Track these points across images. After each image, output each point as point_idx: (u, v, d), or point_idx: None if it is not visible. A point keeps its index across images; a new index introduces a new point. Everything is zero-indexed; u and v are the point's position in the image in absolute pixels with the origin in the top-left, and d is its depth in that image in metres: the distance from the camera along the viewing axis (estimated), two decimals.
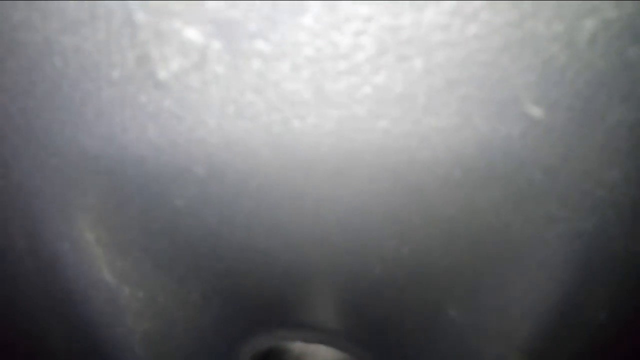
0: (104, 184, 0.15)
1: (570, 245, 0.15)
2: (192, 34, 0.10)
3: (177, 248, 0.18)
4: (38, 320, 0.20)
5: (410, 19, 0.09)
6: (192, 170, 0.14)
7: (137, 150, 0.14)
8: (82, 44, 0.11)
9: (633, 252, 0.15)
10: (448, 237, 0.16)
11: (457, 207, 0.15)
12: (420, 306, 0.20)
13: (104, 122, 0.13)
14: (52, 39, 0.11)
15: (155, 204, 0.16)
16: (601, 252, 0.15)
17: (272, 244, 0.18)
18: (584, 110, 0.11)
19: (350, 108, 0.11)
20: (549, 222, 0.14)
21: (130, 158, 0.14)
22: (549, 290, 0.16)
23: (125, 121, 0.13)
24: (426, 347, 0.21)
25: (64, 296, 0.19)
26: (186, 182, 0.15)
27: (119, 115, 0.12)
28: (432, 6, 0.09)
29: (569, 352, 0.18)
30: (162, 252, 0.18)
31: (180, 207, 0.16)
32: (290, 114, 0.12)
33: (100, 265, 0.18)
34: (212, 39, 0.10)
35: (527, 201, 0.14)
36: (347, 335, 0.23)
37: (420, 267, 0.17)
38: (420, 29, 0.09)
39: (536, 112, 0.11)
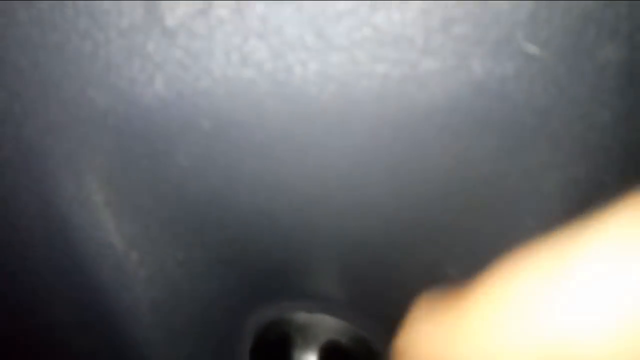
0: (113, 142, 0.15)
1: (565, 193, 0.15)
2: None
3: (184, 212, 0.19)
4: (47, 288, 0.20)
5: None
6: (197, 124, 0.15)
7: (144, 104, 0.14)
8: None
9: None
10: (446, 191, 0.16)
11: (455, 158, 0.15)
12: (421, 268, 0.20)
13: (113, 75, 0.13)
14: None
15: (162, 164, 0.16)
16: (595, 200, 0.15)
17: (275, 207, 0.18)
18: (573, 48, 0.12)
19: (351, 51, 0.12)
20: (544, 169, 0.15)
21: (137, 113, 0.14)
22: None
23: (133, 73, 0.13)
24: None
25: (74, 262, 0.19)
26: (192, 138, 0.15)
27: (127, 66, 0.13)
28: None
29: None
30: (169, 217, 0.19)
31: (186, 166, 0.16)
32: (293, 59, 0.12)
33: (109, 228, 0.18)
34: None
35: (522, 148, 0.14)
36: (349, 304, 0.24)
37: (420, 225, 0.18)
38: None
39: (530, 49, 0.11)
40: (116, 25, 0.12)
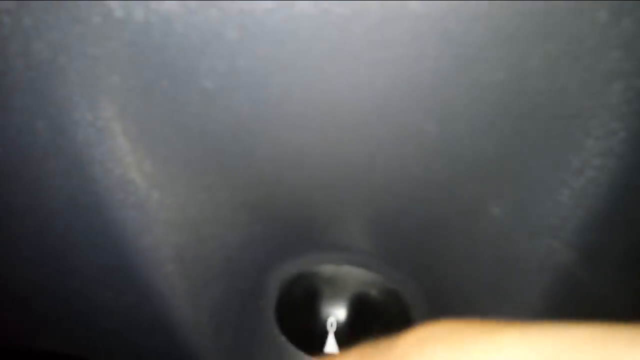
0: (130, 58, 0.14)
1: (631, 107, 0.14)
2: None
3: (206, 146, 0.17)
4: (62, 228, 0.19)
5: None
6: (222, 35, 0.13)
7: (164, 10, 0.13)
8: None
9: None
10: (495, 110, 0.15)
11: (508, 70, 0.14)
12: (460, 207, 0.19)
13: None
14: None
15: (183, 85, 0.15)
16: None
17: (303, 137, 0.17)
18: None
19: None
20: (610, 78, 0.13)
21: (157, 21, 0.13)
22: (603, 167, 0.15)
23: None
24: (465, 257, 0.20)
25: (90, 200, 0.18)
26: (216, 51, 0.14)
27: None
28: None
29: (624, 239, 0.17)
30: (191, 151, 0.18)
31: (209, 88, 0.15)
32: None
33: (129, 163, 0.17)
34: None
35: (588, 53, 0.13)
36: (378, 255, 0.23)
37: (463, 154, 0.16)
38: None
39: None
40: None
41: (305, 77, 0.14)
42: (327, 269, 0.24)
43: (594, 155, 0.15)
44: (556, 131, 0.15)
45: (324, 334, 0.25)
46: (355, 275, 0.24)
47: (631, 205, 0.16)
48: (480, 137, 0.16)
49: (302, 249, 0.23)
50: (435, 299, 0.23)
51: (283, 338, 0.27)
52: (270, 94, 0.15)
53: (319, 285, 0.24)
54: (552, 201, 0.16)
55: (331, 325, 0.23)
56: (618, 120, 0.14)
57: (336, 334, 0.25)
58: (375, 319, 0.24)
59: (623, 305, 0.18)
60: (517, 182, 0.17)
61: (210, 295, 0.23)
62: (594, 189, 0.15)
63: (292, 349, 0.27)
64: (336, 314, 0.24)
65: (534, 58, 0.13)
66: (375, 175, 0.18)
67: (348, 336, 0.24)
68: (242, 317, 0.25)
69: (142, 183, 0.18)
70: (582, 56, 0.13)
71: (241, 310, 0.25)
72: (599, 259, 0.17)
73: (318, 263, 0.24)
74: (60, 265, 0.21)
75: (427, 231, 0.20)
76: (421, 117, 0.15)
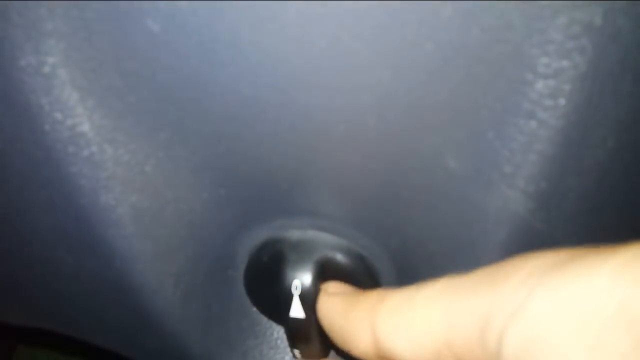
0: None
1: (576, 44, 0.14)
2: None
3: (158, 97, 0.17)
4: (16, 186, 0.19)
5: None
6: None
7: None
8: None
9: None
10: (444, 51, 0.15)
11: (454, 5, 0.14)
12: (418, 163, 0.18)
13: None
14: None
15: (127, 29, 0.15)
16: (611, 52, 0.14)
17: (261, 89, 0.16)
18: None
19: None
20: (554, 11, 0.13)
21: None
22: (553, 108, 0.15)
23: None
24: (425, 215, 0.20)
25: (42, 154, 0.18)
26: None
27: None
28: None
29: (578, 187, 0.17)
30: (143, 104, 0.17)
31: (155, 32, 0.15)
32: None
33: (79, 114, 0.17)
34: None
35: None
36: (343, 219, 0.22)
37: (415, 102, 0.16)
38: None
39: None
40: None
41: (255, 17, 0.14)
42: (294, 234, 0.24)
43: (543, 96, 0.15)
44: (506, 73, 0.15)
45: (291, 301, 0.24)
46: (321, 240, 0.24)
47: (582, 149, 0.16)
48: (432, 82, 0.16)
49: (267, 215, 0.23)
50: (400, 260, 0.23)
51: (254, 309, 0.27)
52: (218, 37, 0.15)
53: (285, 250, 0.24)
54: (506, 148, 0.16)
55: (296, 288, 0.23)
56: (565, 58, 0.14)
57: (304, 300, 0.24)
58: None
59: None
60: (471, 130, 0.17)
61: (176, 261, 0.23)
62: (545, 132, 0.15)
63: (264, 318, 0.27)
64: (302, 279, 0.24)
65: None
66: (332, 126, 0.18)
67: (315, 302, 0.24)
68: (211, 286, 0.25)
69: (94, 137, 0.18)
70: None
71: (210, 279, 0.25)
72: (553, 208, 0.17)
73: (284, 229, 0.24)
74: (17, 227, 0.20)
75: (388, 191, 0.20)
76: (373, 63, 0.15)
